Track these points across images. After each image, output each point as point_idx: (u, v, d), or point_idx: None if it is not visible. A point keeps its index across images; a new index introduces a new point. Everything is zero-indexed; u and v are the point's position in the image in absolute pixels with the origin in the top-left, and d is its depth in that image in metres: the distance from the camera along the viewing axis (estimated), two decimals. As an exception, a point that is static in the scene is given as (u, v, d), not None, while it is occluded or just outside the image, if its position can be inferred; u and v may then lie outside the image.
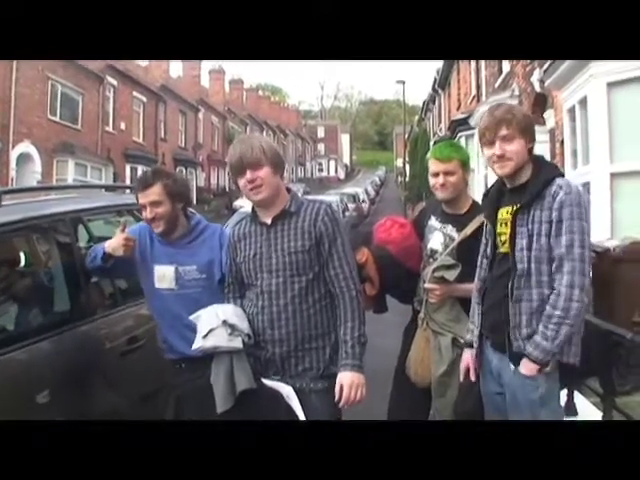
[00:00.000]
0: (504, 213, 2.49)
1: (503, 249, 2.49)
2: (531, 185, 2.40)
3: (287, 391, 2.44)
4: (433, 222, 3.15)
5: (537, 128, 2.65)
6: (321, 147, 78.56)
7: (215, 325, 2.43)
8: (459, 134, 16.68)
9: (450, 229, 3.05)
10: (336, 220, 2.56)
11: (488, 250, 2.58)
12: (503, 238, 2.49)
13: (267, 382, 2.48)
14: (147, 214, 2.74)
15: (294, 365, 2.51)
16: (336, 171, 77.02)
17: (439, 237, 3.08)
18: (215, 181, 37.54)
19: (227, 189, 36.26)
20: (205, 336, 2.43)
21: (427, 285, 2.96)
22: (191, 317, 2.55)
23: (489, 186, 2.67)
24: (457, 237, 2.99)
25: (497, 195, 2.56)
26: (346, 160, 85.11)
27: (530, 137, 2.43)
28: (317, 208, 2.55)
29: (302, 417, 2.38)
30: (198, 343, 2.45)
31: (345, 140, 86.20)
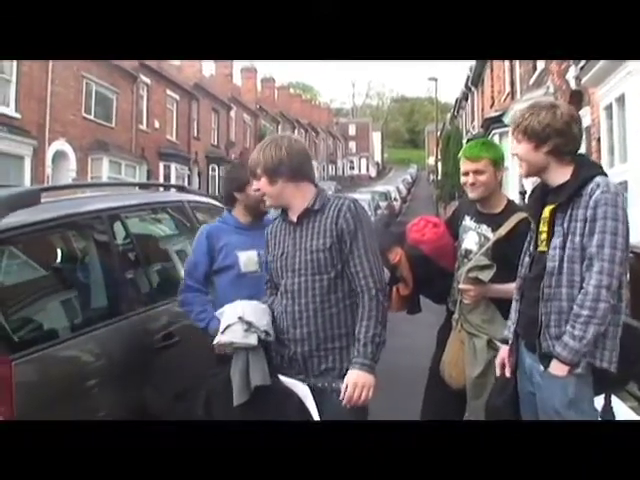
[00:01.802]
0: (546, 212, 2.47)
1: (541, 248, 2.48)
2: (570, 184, 2.38)
3: (303, 391, 2.43)
4: (467, 222, 3.12)
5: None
6: (352, 145, 78.45)
7: (232, 321, 2.48)
8: (493, 132, 16.55)
9: (485, 229, 3.02)
10: (359, 216, 2.50)
11: (531, 248, 2.57)
12: (543, 237, 2.47)
13: (285, 380, 2.48)
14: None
15: (317, 364, 2.50)
16: (367, 169, 76.88)
17: (474, 237, 3.06)
18: (247, 179, 37.66)
19: (258, 187, 36.33)
20: (223, 331, 2.49)
21: (461, 286, 2.94)
22: (216, 313, 2.65)
23: (535, 185, 2.64)
24: (492, 237, 2.96)
25: (542, 194, 2.54)
26: (377, 158, 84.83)
27: (539, 141, 2.39)
28: (340, 204, 2.51)
29: (316, 418, 2.36)
30: (217, 338, 2.52)
31: (376, 138, 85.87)
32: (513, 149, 2.52)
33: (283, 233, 2.62)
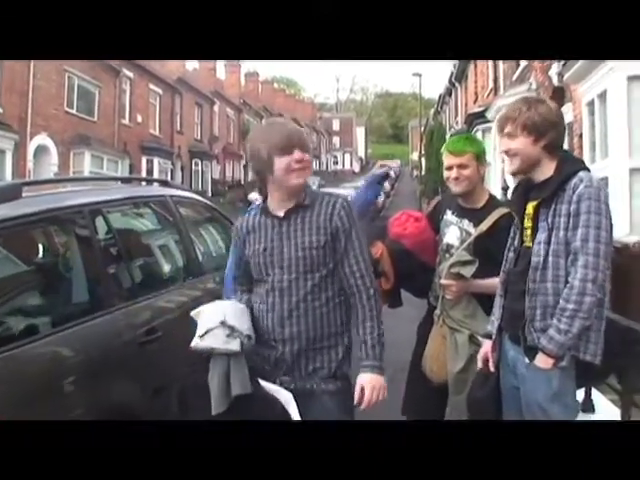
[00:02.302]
0: (530, 207, 2.49)
1: (527, 243, 2.50)
2: (554, 179, 2.40)
3: (286, 397, 2.33)
4: (449, 216, 3.13)
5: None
6: (336, 140, 78.50)
7: (213, 325, 2.34)
8: (476, 127, 16.62)
9: (467, 224, 3.03)
10: (352, 215, 2.47)
11: (515, 244, 2.58)
12: (528, 232, 2.49)
13: (267, 386, 2.37)
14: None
15: (304, 365, 2.41)
16: (351, 164, 76.97)
17: (455, 232, 3.06)
18: (230, 174, 37.63)
19: (242, 182, 36.33)
20: (202, 336, 2.34)
21: (443, 281, 2.94)
22: (192, 313, 2.47)
23: (518, 181, 2.65)
24: (474, 232, 2.97)
25: (525, 190, 2.56)
26: (361, 153, 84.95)
27: (538, 134, 2.40)
28: (333, 202, 2.45)
29: None
30: (194, 342, 2.35)
31: (360, 133, 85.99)
32: (505, 145, 2.49)
33: (265, 227, 2.49)
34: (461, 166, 2.98)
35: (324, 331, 2.42)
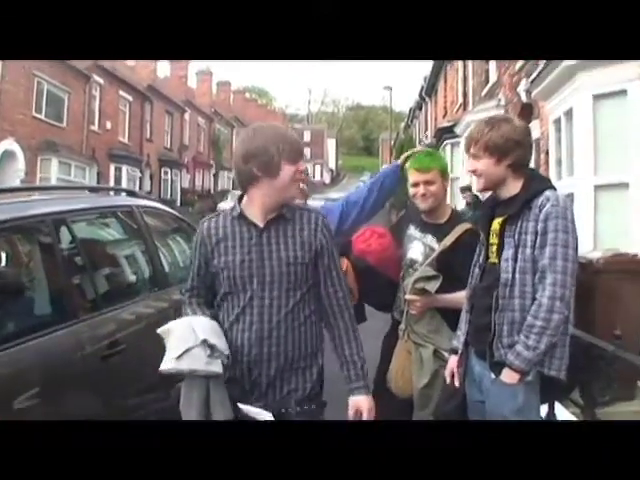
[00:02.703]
0: (496, 224, 2.52)
1: (493, 259, 2.53)
2: (520, 197, 2.43)
3: (268, 419, 2.19)
4: (412, 231, 3.15)
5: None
6: (307, 151, 78.55)
7: (192, 344, 2.11)
8: (445, 142, 16.80)
9: (430, 239, 3.05)
10: (331, 232, 2.43)
11: (481, 260, 2.61)
12: (494, 249, 2.52)
13: (246, 409, 2.21)
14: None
15: (279, 387, 2.29)
16: (322, 176, 77.04)
17: (419, 247, 3.08)
18: (200, 183, 37.43)
19: (212, 191, 36.17)
20: (180, 356, 2.11)
21: (408, 296, 2.95)
22: (160, 330, 2.24)
23: (485, 198, 2.68)
24: (437, 247, 2.99)
25: (491, 206, 2.58)
26: (332, 165, 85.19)
27: (501, 154, 2.44)
28: (315, 218, 2.37)
29: None
30: (169, 364, 2.12)
31: (331, 145, 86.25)
32: (471, 166, 2.53)
33: (241, 237, 2.31)
34: (427, 182, 3.01)
35: (301, 351, 2.33)
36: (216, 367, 2.15)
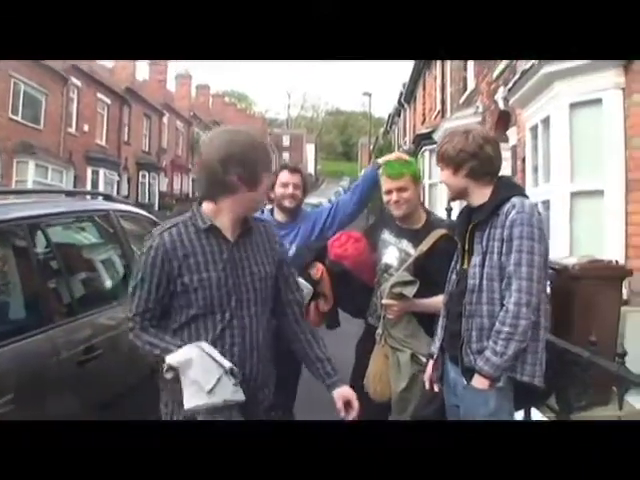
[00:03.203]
0: (468, 231, 2.55)
1: (465, 265, 2.56)
2: (487, 204, 2.47)
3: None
4: (387, 236, 3.17)
5: (501, 145, 2.71)
6: (286, 156, 78.48)
7: (219, 374, 1.97)
8: (423, 148, 16.87)
9: (406, 244, 3.07)
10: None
11: (458, 266, 2.63)
12: (467, 255, 2.55)
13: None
14: (290, 190, 3.51)
15: (252, 402, 2.19)
16: (301, 180, 77.09)
17: (394, 252, 3.10)
18: (178, 187, 37.22)
19: (190, 195, 35.98)
20: (212, 390, 1.95)
21: (385, 301, 2.96)
22: (171, 362, 2.00)
23: (464, 205, 2.71)
24: (413, 252, 3.01)
25: (468, 214, 2.61)
26: (311, 169, 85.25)
27: (456, 165, 2.52)
28: (270, 228, 2.37)
29: None
30: (201, 399, 1.93)
31: (310, 150, 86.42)
32: (440, 176, 2.65)
33: (212, 252, 2.17)
34: (400, 189, 3.04)
35: (271, 364, 2.35)
36: (240, 395, 2.06)
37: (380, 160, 3.43)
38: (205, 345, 2.07)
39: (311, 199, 37.98)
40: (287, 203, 3.52)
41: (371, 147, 43.60)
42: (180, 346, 2.08)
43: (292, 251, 3.37)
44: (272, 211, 3.64)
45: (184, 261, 2.13)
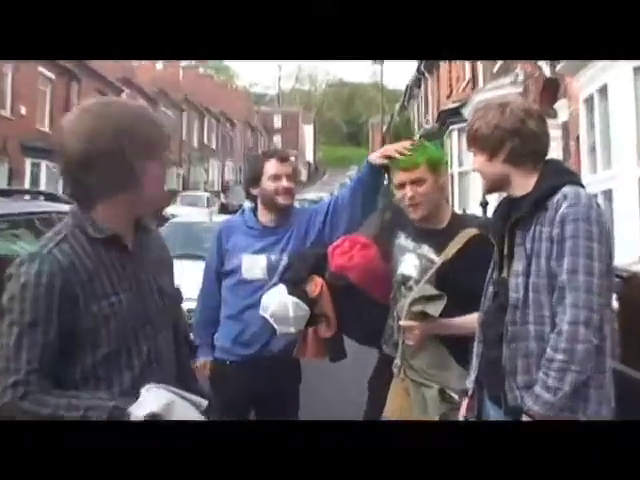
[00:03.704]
0: (509, 230, 2.52)
1: (504, 274, 2.52)
2: (530, 196, 2.43)
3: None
4: (403, 241, 3.11)
5: (549, 122, 2.68)
6: (277, 140, 78.83)
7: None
8: (450, 127, 16.91)
9: (427, 249, 3.00)
10: None
11: (495, 276, 2.59)
12: (505, 261, 2.51)
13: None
14: (285, 184, 3.47)
15: None
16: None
17: (413, 260, 3.03)
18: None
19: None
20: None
21: (403, 322, 2.90)
22: (152, 409, 1.86)
23: (502, 198, 2.68)
24: (437, 260, 2.95)
25: (507, 208, 2.57)
26: (309, 157, 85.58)
27: (492, 149, 2.49)
28: (159, 233, 2.39)
29: None
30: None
31: (308, 132, 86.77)
32: (472, 163, 2.64)
33: (113, 267, 2.01)
34: (415, 182, 2.95)
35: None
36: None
37: (374, 157, 3.28)
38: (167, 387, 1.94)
39: (309, 194, 38.18)
40: (282, 200, 3.49)
41: (384, 127, 43.71)
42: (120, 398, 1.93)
43: (284, 262, 3.40)
44: (254, 211, 3.63)
45: (89, 285, 1.93)
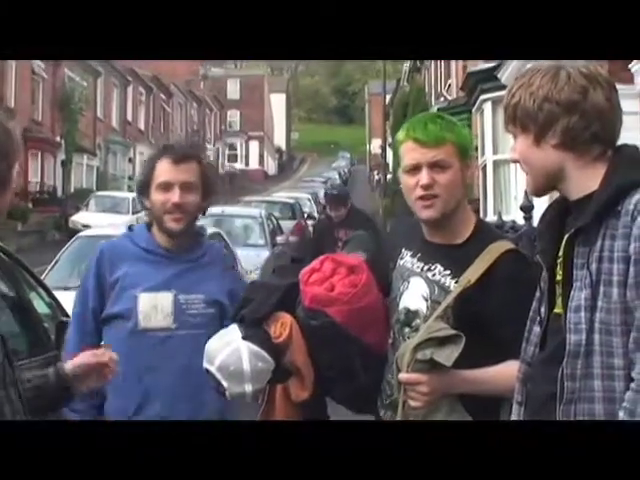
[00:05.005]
0: (565, 245, 2.49)
1: (558, 308, 2.50)
2: (597, 196, 2.40)
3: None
4: (408, 260, 3.10)
5: (620, 88, 2.68)
6: (235, 116, 78.88)
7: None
8: (480, 97, 16.97)
9: (440, 272, 2.99)
10: None
11: (542, 311, 2.59)
12: (560, 289, 2.50)
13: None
14: (175, 198, 3.37)
15: None
16: (262, 160, 77.35)
17: (420, 288, 3.02)
18: (37, 177, 37.39)
19: (61, 192, 36.07)
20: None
21: (404, 376, 2.90)
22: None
23: (552, 201, 2.67)
24: (453, 286, 2.95)
25: (561, 213, 2.56)
26: (279, 140, 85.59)
27: (540, 128, 2.46)
28: None
29: None
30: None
31: (278, 104, 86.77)
32: (511, 150, 2.61)
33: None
34: (436, 165, 2.91)
35: None
36: None
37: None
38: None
39: (280, 194, 38.15)
40: (169, 222, 3.45)
41: (387, 98, 43.87)
42: None
43: (200, 303, 3.51)
44: (149, 228, 3.65)
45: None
